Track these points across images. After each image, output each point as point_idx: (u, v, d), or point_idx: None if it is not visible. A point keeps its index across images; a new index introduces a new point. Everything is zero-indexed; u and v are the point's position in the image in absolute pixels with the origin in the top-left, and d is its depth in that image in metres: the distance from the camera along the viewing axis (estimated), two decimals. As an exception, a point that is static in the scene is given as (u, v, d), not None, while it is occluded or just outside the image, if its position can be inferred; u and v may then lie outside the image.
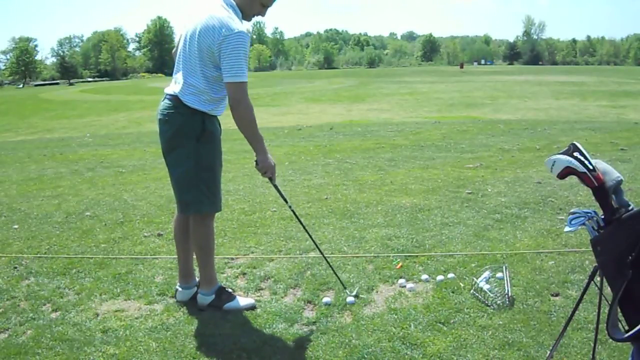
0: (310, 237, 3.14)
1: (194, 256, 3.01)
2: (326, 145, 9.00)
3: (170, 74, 2.93)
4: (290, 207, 3.02)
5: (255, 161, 2.75)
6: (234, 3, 2.62)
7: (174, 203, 5.15)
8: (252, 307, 2.91)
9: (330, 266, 3.13)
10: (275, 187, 2.89)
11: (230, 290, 3.03)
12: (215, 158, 2.77)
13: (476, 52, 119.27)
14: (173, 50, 2.90)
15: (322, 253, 3.18)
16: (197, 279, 3.09)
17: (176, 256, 3.10)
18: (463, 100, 18.96)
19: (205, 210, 2.81)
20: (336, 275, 3.10)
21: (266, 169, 2.74)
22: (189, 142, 2.67)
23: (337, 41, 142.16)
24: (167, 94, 2.74)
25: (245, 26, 2.60)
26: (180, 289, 3.04)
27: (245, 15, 2.67)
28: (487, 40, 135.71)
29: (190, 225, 2.88)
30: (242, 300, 2.95)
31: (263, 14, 2.73)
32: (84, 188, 6.20)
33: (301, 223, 3.11)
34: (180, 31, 2.79)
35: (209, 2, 2.62)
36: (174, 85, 2.70)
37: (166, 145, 2.77)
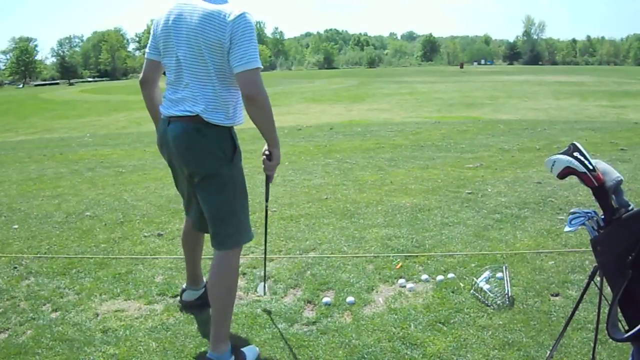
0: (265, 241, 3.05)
1: (197, 266, 2.92)
2: (326, 145, 9.00)
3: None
4: (266, 206, 2.87)
5: (267, 155, 2.46)
6: None
7: (174, 203, 5.19)
8: (257, 356, 2.48)
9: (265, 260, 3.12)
10: (268, 186, 2.71)
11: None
12: (244, 180, 2.43)
13: (476, 52, 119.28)
14: (140, 78, 2.55)
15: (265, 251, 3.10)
16: (205, 280, 2.94)
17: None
18: (463, 100, 18.96)
19: (245, 241, 2.47)
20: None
21: (275, 166, 2.49)
22: (223, 167, 2.31)
23: (337, 41, 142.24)
24: (174, 116, 2.30)
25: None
26: (188, 289, 2.94)
27: None
28: (487, 40, 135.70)
29: (218, 262, 2.40)
30: (251, 353, 2.46)
31: None
32: (84, 188, 6.20)
33: (265, 227, 3.00)
34: (155, 39, 2.39)
35: None
36: (183, 102, 2.27)
37: (194, 174, 2.34)
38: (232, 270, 2.41)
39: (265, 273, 3.14)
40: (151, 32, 2.42)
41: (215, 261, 2.41)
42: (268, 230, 4.24)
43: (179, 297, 3.01)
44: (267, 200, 2.81)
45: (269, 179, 2.63)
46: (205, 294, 2.70)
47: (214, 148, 2.28)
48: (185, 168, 2.35)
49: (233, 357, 2.38)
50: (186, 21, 2.22)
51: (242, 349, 2.45)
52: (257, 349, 2.52)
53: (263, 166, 2.51)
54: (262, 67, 2.24)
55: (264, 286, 3.04)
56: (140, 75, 2.56)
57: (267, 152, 2.46)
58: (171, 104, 2.32)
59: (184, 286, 2.98)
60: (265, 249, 3.09)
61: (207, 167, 2.29)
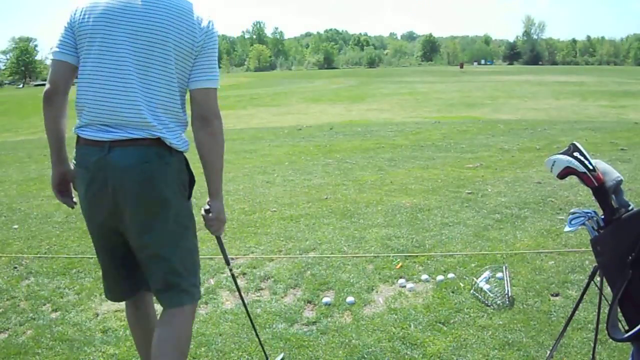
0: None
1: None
2: (326, 145, 9.00)
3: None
4: (230, 269, 2.22)
5: (207, 209, 1.92)
6: None
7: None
8: None
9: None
10: (222, 246, 2.13)
11: None
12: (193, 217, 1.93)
13: (476, 52, 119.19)
14: (49, 88, 1.82)
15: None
16: None
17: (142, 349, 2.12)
18: (463, 100, 18.95)
19: (199, 295, 1.95)
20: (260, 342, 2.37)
21: (221, 224, 1.95)
22: (183, 202, 1.84)
23: (337, 41, 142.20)
24: (110, 140, 1.70)
25: None
26: None
27: None
28: (487, 40, 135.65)
29: (176, 321, 1.86)
30: None
31: None
32: (84, 188, 6.19)
33: (238, 288, 2.30)
34: (71, 32, 1.77)
35: None
36: (128, 117, 1.71)
37: (150, 215, 1.77)
38: (189, 330, 1.91)
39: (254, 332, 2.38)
40: (68, 23, 1.79)
41: (168, 322, 1.86)
42: (268, 230, 4.27)
43: None
44: (228, 263, 2.17)
45: (218, 239, 2.08)
46: None
47: (176, 179, 1.81)
48: (134, 208, 1.75)
49: None
50: (140, 14, 1.71)
51: None
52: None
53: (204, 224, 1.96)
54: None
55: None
56: (47, 84, 1.84)
57: (207, 206, 1.93)
58: (109, 123, 1.73)
59: None
60: (248, 312, 2.35)
61: (166, 206, 1.78)
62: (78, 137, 1.80)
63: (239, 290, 2.30)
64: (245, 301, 2.44)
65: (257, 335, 2.33)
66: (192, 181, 1.88)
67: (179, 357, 1.84)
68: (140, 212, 1.76)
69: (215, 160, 1.82)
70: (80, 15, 1.76)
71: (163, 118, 1.75)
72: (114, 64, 1.71)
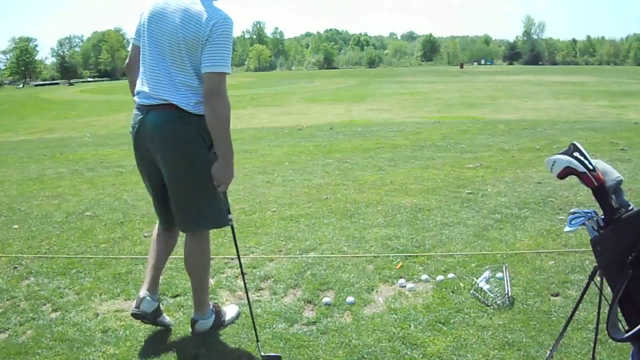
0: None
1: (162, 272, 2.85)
2: (326, 145, 9.00)
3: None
4: (230, 219, 2.60)
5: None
6: None
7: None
8: (238, 315, 2.83)
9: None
10: (225, 196, 2.54)
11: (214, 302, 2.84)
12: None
13: (476, 52, 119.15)
14: (127, 62, 2.62)
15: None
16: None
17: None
18: (463, 100, 18.95)
19: (214, 225, 2.61)
20: None
21: (223, 180, 2.41)
22: (205, 152, 2.40)
23: (337, 41, 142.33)
24: (149, 105, 2.39)
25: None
26: (148, 297, 2.61)
27: None
28: (487, 40, 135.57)
29: (191, 244, 2.59)
30: (232, 310, 2.85)
31: None
32: (84, 188, 6.21)
33: (236, 244, 2.70)
34: (139, 27, 2.48)
35: None
36: (160, 90, 2.36)
37: (177, 162, 2.40)
38: (206, 249, 2.64)
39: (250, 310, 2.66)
40: (139, 19, 2.50)
41: (189, 243, 2.61)
42: (268, 230, 4.27)
43: (134, 306, 2.62)
44: (228, 212, 2.57)
45: (222, 192, 2.49)
46: (158, 309, 2.67)
47: (196, 135, 2.38)
48: (162, 156, 2.41)
49: (213, 316, 2.71)
50: (169, 15, 2.34)
51: (223, 308, 2.81)
52: (237, 307, 2.85)
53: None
54: (229, 73, 2.33)
55: None
56: (127, 60, 2.63)
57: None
58: (138, 93, 2.45)
59: (141, 294, 2.61)
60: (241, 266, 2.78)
61: (189, 155, 2.38)
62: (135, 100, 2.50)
63: (235, 244, 2.68)
64: (245, 276, 2.82)
65: (251, 312, 2.62)
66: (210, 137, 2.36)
67: (197, 265, 2.63)
68: (166, 161, 2.42)
69: (213, 129, 2.32)
70: (141, 15, 2.47)
71: (183, 91, 2.34)
72: (150, 53, 2.40)
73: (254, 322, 2.57)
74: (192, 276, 2.67)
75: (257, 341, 2.52)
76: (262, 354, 2.43)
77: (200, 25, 2.26)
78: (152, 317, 2.64)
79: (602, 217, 1.78)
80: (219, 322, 2.73)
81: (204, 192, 2.45)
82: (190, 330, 2.71)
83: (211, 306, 2.73)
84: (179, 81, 2.34)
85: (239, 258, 2.73)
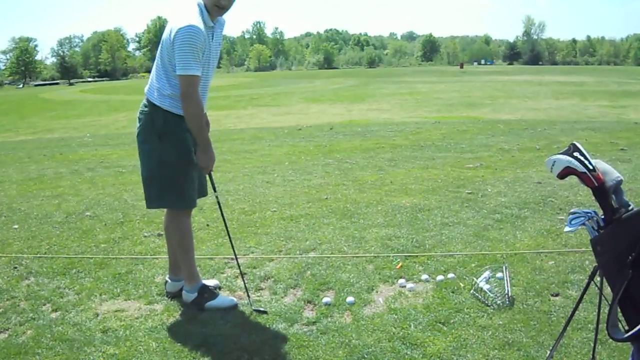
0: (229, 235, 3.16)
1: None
2: (326, 145, 9.00)
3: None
4: (216, 196, 3.05)
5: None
6: (202, 3, 2.70)
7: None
8: (234, 306, 2.94)
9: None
10: (210, 176, 3.01)
11: (213, 288, 3.08)
12: (179, 156, 2.80)
13: (476, 52, 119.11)
14: None
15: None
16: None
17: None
18: (463, 100, 18.96)
19: (168, 206, 2.95)
20: None
21: (204, 165, 2.85)
22: (153, 139, 2.79)
23: (337, 41, 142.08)
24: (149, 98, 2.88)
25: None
26: (169, 280, 3.12)
27: (212, 16, 2.72)
28: (487, 40, 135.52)
29: (164, 221, 3.03)
30: (224, 300, 2.98)
31: (220, 14, 2.76)
32: (84, 188, 6.21)
33: (225, 224, 3.17)
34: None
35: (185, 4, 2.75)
36: (149, 90, 2.85)
37: (137, 142, 2.89)
38: (172, 229, 2.95)
39: (244, 282, 3.13)
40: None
41: (166, 218, 3.04)
42: (268, 230, 4.27)
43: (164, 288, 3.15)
44: (214, 190, 3.03)
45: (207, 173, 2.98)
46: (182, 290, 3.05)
47: (148, 122, 2.82)
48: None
49: (195, 294, 2.94)
50: (162, 37, 2.79)
51: (219, 295, 3.01)
52: (231, 302, 2.96)
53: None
54: (197, 75, 2.63)
55: None
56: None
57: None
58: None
59: (167, 277, 3.15)
60: (233, 246, 3.17)
61: (141, 137, 2.87)
62: None
63: (223, 217, 3.10)
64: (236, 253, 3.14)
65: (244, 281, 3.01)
66: (165, 128, 2.75)
67: (175, 246, 2.98)
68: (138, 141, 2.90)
69: (192, 125, 2.73)
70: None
71: (152, 85, 2.80)
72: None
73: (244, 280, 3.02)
74: (175, 250, 3.01)
75: (248, 297, 2.98)
76: (253, 308, 2.85)
77: (170, 38, 2.63)
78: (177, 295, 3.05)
79: (602, 217, 1.78)
80: (198, 304, 2.93)
81: (151, 174, 2.88)
82: (190, 330, 2.71)
83: (199, 285, 2.97)
84: (153, 78, 2.82)
85: (229, 236, 3.06)
